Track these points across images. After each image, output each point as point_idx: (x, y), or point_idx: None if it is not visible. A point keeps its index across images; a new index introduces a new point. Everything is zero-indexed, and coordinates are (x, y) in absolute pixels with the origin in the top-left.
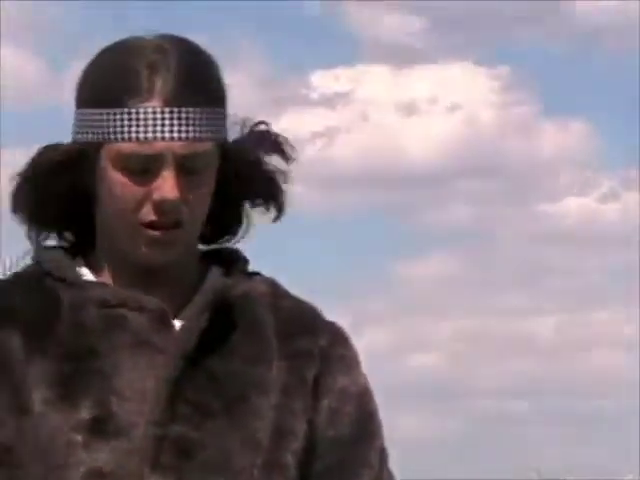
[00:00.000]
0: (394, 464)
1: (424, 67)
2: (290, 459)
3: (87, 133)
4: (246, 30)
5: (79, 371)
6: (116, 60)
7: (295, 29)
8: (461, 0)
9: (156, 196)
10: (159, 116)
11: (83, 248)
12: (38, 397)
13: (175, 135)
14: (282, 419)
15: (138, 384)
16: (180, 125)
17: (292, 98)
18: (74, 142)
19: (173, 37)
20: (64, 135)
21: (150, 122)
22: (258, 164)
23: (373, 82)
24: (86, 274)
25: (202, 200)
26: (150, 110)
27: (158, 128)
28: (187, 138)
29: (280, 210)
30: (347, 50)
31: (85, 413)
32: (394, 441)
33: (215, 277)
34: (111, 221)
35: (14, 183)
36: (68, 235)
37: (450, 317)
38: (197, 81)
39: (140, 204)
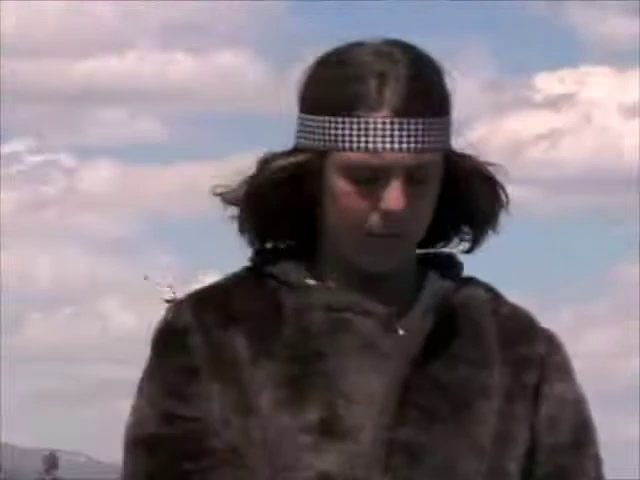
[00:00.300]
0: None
1: None
2: (513, 466)
3: (313, 140)
4: (471, 31)
5: (306, 373)
6: (344, 67)
7: (520, 30)
8: None
9: (382, 207)
10: (388, 127)
11: (302, 253)
12: (266, 398)
13: (404, 146)
14: (505, 425)
15: (365, 387)
16: (409, 136)
17: (516, 100)
18: (296, 148)
19: (400, 44)
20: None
21: (380, 132)
22: (481, 175)
23: (597, 84)
24: (306, 277)
25: (426, 211)
26: (380, 120)
27: (388, 139)
28: (416, 149)
29: (485, 232)
30: (571, 51)
31: (313, 415)
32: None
33: (434, 282)
34: (335, 229)
35: (243, 191)
36: (289, 241)
37: None
38: (425, 91)
39: (366, 214)
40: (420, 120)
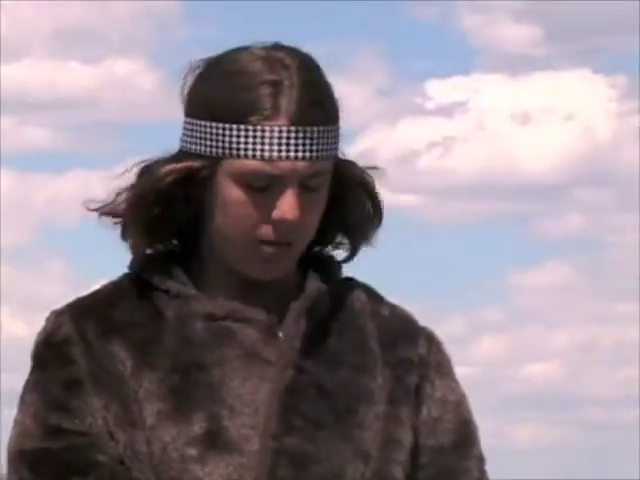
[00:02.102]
0: (509, 470)
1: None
2: (399, 470)
3: (204, 146)
4: (360, 35)
5: (188, 384)
6: (236, 73)
7: (411, 36)
8: (578, 6)
9: (276, 215)
10: (285, 135)
11: (181, 258)
12: (150, 411)
13: (300, 155)
14: (390, 429)
15: (249, 397)
16: (305, 145)
17: (407, 108)
18: (183, 152)
19: (287, 48)
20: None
21: (276, 141)
22: (365, 184)
23: (489, 91)
24: (187, 284)
25: (317, 219)
26: (277, 129)
27: (283, 147)
28: (311, 158)
29: (365, 240)
30: (462, 58)
31: (198, 427)
32: (511, 450)
33: (313, 283)
34: (223, 236)
35: (123, 195)
36: (170, 247)
37: (564, 326)
38: (319, 98)
39: (258, 222)
40: (315, 128)
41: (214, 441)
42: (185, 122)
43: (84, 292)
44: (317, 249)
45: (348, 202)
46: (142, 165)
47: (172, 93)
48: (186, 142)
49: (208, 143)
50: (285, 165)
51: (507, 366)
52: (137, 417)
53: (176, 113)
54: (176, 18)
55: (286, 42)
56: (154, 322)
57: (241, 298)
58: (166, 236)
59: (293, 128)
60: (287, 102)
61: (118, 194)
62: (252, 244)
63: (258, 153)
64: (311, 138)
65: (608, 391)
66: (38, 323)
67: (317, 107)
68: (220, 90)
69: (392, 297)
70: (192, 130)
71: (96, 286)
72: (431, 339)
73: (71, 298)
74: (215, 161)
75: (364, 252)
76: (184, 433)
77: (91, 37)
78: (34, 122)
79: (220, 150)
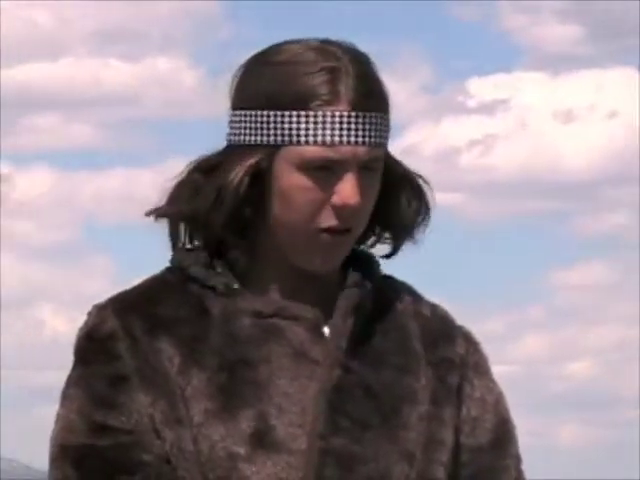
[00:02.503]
0: (552, 469)
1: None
2: (442, 471)
3: (260, 135)
4: (404, 35)
5: (235, 382)
6: (291, 62)
7: (453, 34)
8: (622, 5)
9: (337, 200)
10: (345, 120)
11: (227, 253)
12: (197, 409)
13: (360, 140)
14: (433, 430)
15: (297, 396)
16: (364, 130)
17: (449, 105)
18: (235, 146)
19: (336, 42)
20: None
21: (337, 126)
22: (411, 180)
23: (530, 89)
24: (232, 280)
25: (371, 207)
26: (338, 114)
27: (344, 132)
28: (370, 143)
29: (410, 237)
30: (505, 56)
31: (245, 426)
32: (556, 448)
33: (355, 281)
34: (284, 225)
35: (178, 187)
36: (217, 242)
37: (606, 325)
38: (374, 87)
39: (320, 208)
40: (374, 114)
41: (262, 440)
42: (235, 115)
43: (126, 287)
44: (356, 246)
45: (394, 198)
46: (195, 164)
47: (213, 91)
48: (237, 135)
49: (265, 132)
50: (346, 150)
51: (549, 364)
52: (184, 415)
53: (217, 110)
54: (215, 18)
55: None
56: (200, 319)
57: (288, 295)
58: (218, 228)
59: (354, 113)
60: (345, 88)
61: (173, 196)
62: (313, 233)
63: (319, 138)
64: (370, 124)
65: None
66: (81, 320)
67: (373, 94)
68: (275, 79)
69: (433, 295)
70: (245, 121)
71: (138, 281)
72: (469, 339)
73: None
74: (274, 150)
75: (405, 250)
76: (232, 432)
77: (132, 36)
78: (79, 119)
79: (280, 137)
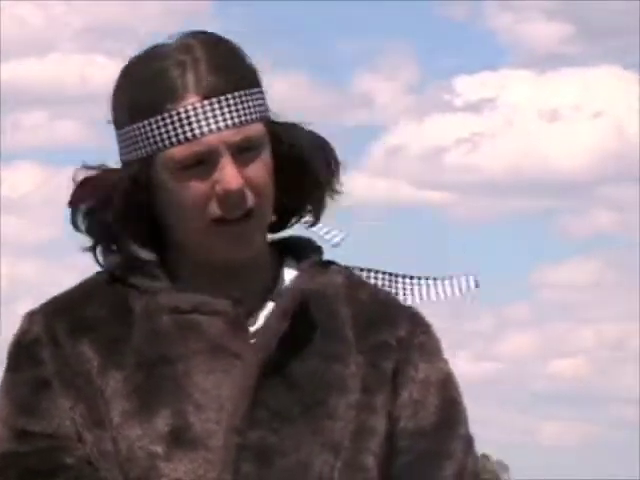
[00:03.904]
0: (539, 469)
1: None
2: (371, 460)
3: (136, 150)
4: (390, 33)
5: (153, 379)
6: (145, 70)
7: (440, 33)
8: (609, 4)
9: (219, 189)
10: (200, 110)
11: (151, 255)
12: (116, 409)
13: (222, 125)
14: (362, 418)
15: (214, 392)
16: (223, 114)
17: (435, 104)
18: (125, 163)
19: (194, 32)
20: None
21: (193, 119)
22: (311, 141)
23: (517, 88)
24: (159, 278)
25: (264, 181)
26: (190, 107)
27: (203, 122)
28: (235, 124)
29: (321, 206)
30: (491, 54)
31: (163, 424)
32: (538, 446)
33: (291, 274)
34: (181, 228)
35: (81, 207)
36: (139, 245)
37: (592, 323)
38: (226, 67)
39: (206, 202)
40: (229, 95)
41: (179, 438)
42: (117, 135)
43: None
44: (294, 222)
45: (298, 166)
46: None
47: None
48: (122, 154)
49: (138, 146)
50: (211, 138)
51: (534, 362)
52: (103, 417)
53: None
54: (204, 16)
55: (317, 41)
56: (124, 318)
57: (211, 289)
58: (133, 235)
59: (206, 101)
60: (194, 78)
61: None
62: (209, 227)
63: (182, 136)
64: (228, 105)
65: (635, 389)
66: None
67: (225, 75)
68: (132, 92)
69: None
70: (122, 140)
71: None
72: (415, 320)
73: None
74: (149, 161)
75: (391, 248)
76: (149, 431)
77: (120, 33)
78: (66, 116)
79: (149, 148)
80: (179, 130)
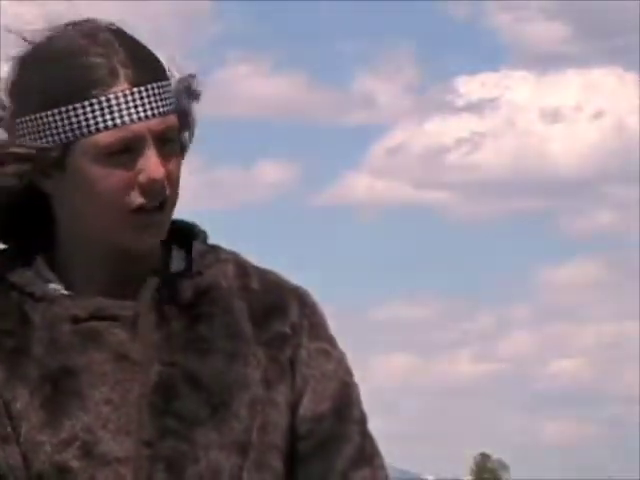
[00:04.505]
0: (539, 468)
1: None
2: (277, 458)
3: (50, 136)
4: (391, 33)
5: (59, 393)
6: (62, 55)
7: (440, 33)
8: (610, 4)
9: (143, 178)
10: (130, 98)
11: (40, 254)
12: (24, 424)
13: (150, 113)
14: (266, 414)
15: (120, 402)
16: (151, 102)
17: (436, 104)
18: (30, 147)
19: (99, 23)
20: None
21: (124, 106)
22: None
23: (518, 88)
24: (53, 281)
25: (178, 173)
26: (121, 94)
27: (132, 110)
28: (160, 114)
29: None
30: (492, 55)
31: (72, 438)
32: (538, 446)
33: (178, 262)
34: (91, 215)
35: None
36: (24, 242)
37: (593, 322)
38: (147, 58)
39: (127, 190)
40: (155, 85)
41: (90, 452)
42: (19, 122)
43: None
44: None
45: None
46: None
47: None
48: (30, 139)
49: (55, 131)
50: (138, 127)
51: (534, 363)
52: (10, 432)
53: (209, 106)
54: (205, 15)
55: (317, 41)
56: (22, 329)
57: (109, 290)
58: (13, 232)
59: (136, 89)
60: (121, 67)
61: None
62: (124, 215)
63: (110, 122)
64: (155, 95)
65: (635, 389)
66: None
67: (148, 65)
68: (50, 76)
69: (421, 292)
70: (32, 126)
71: None
72: (303, 301)
73: None
74: (67, 146)
75: (391, 248)
76: (59, 446)
77: None
78: None
79: (70, 134)
80: (108, 116)
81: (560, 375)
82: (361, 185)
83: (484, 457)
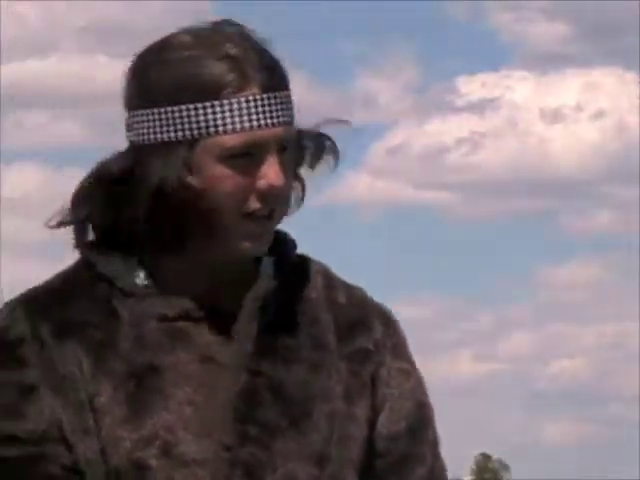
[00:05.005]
0: (539, 468)
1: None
2: (352, 474)
3: (177, 131)
4: (391, 33)
5: (143, 390)
6: (192, 54)
7: (440, 33)
8: (610, 4)
9: (263, 184)
10: (260, 103)
11: (135, 250)
12: (105, 418)
13: (275, 121)
14: (344, 428)
15: (203, 405)
16: (277, 110)
17: (437, 104)
18: (143, 146)
19: (232, 25)
20: None
21: (253, 110)
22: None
23: (518, 88)
24: (143, 277)
25: (290, 183)
26: (251, 98)
27: (261, 115)
28: (285, 122)
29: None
30: (492, 55)
31: (153, 436)
32: (539, 447)
33: (267, 270)
34: (206, 217)
35: (81, 185)
36: (114, 233)
37: (592, 323)
38: (276, 65)
39: (245, 194)
40: (283, 93)
41: (169, 451)
42: (138, 115)
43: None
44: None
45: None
46: (100, 170)
47: None
48: (146, 134)
49: (180, 127)
50: (264, 133)
51: (534, 363)
52: (92, 425)
53: None
54: (206, 16)
55: (317, 41)
56: (109, 322)
57: (201, 292)
58: (117, 225)
59: (265, 95)
60: (252, 71)
61: (79, 203)
62: (238, 219)
63: (238, 125)
64: (282, 103)
65: (635, 389)
66: None
67: (277, 72)
68: (179, 73)
69: (419, 292)
70: (154, 120)
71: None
72: (387, 320)
73: None
74: (192, 143)
75: (391, 248)
76: (139, 443)
77: (123, 33)
78: (68, 117)
79: (196, 131)
80: (237, 119)
81: (560, 375)
82: (361, 185)
83: (485, 457)
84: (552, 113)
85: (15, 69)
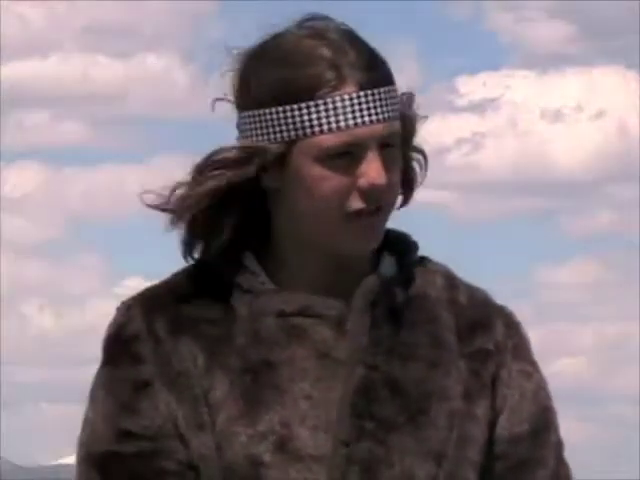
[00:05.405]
0: None
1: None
2: (471, 472)
3: (274, 133)
4: (391, 33)
5: (259, 385)
6: (289, 54)
7: (441, 33)
8: (612, 4)
9: (364, 183)
10: (356, 101)
11: (252, 250)
12: (221, 413)
13: (374, 118)
14: (464, 426)
15: (320, 400)
16: (377, 107)
17: (437, 104)
18: (248, 146)
19: (327, 22)
20: None
21: (349, 109)
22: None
23: (518, 87)
24: (260, 275)
25: (397, 179)
26: (347, 97)
27: (357, 114)
28: (385, 119)
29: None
30: (492, 54)
31: (268, 431)
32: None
33: (389, 269)
34: (311, 216)
35: (181, 187)
36: (238, 238)
37: (592, 323)
38: (376, 61)
39: (346, 194)
40: (382, 89)
41: (285, 446)
42: (243, 117)
43: (116, 288)
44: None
45: (409, 166)
46: (204, 162)
47: (204, 88)
48: (250, 136)
49: (278, 129)
50: (362, 131)
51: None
52: (207, 420)
53: (208, 109)
54: (208, 15)
55: None
56: (226, 319)
57: (316, 288)
58: (228, 226)
59: (362, 93)
60: (349, 69)
61: (177, 190)
62: (342, 218)
63: (334, 125)
64: (381, 99)
65: (635, 389)
66: (68, 317)
67: (377, 69)
68: (277, 74)
69: None
70: (255, 122)
71: (129, 282)
72: (509, 321)
73: (101, 293)
74: (289, 144)
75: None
76: (255, 438)
77: (122, 33)
78: (68, 116)
79: (293, 132)
80: (332, 118)
81: (560, 375)
82: None
83: None
84: (553, 113)
85: (15, 69)
